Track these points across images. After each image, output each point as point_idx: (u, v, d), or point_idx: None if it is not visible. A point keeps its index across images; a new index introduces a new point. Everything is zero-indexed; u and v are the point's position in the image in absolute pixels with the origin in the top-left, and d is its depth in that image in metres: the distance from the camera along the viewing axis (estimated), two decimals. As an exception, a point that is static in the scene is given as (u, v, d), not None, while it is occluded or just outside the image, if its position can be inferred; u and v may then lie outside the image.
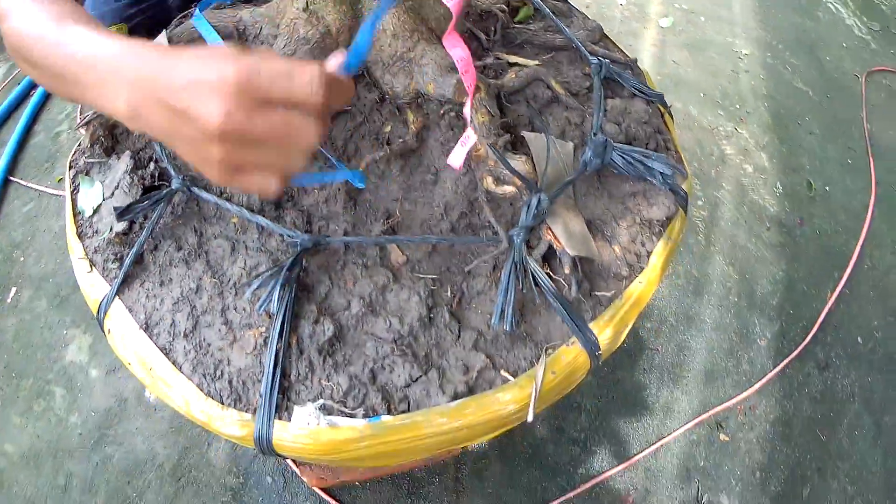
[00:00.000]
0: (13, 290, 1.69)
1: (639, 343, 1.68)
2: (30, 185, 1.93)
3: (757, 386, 1.64)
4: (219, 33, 0.91)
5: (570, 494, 1.41)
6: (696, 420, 1.56)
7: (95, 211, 0.85)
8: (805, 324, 1.78)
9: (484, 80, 0.83)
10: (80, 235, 0.84)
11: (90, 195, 0.87)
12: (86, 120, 0.89)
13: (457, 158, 0.77)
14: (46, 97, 2.18)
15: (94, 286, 0.81)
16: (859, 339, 1.79)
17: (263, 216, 0.79)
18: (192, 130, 0.48)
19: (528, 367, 0.73)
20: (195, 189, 0.81)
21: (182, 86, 0.48)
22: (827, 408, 1.65)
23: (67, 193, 0.89)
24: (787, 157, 2.23)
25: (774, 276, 1.88)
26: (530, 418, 0.71)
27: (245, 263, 0.77)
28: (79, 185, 0.89)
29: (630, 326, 0.81)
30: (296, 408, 0.67)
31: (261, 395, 0.68)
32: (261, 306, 0.73)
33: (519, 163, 0.80)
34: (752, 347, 1.72)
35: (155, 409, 1.46)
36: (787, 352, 1.72)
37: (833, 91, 2.52)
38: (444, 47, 0.85)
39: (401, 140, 0.84)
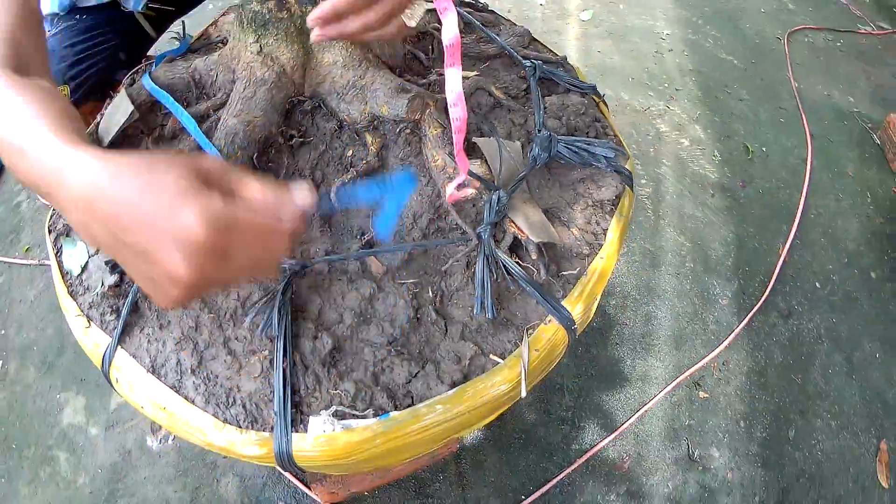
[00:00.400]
0: (-1, 363, 1.70)
1: (607, 320, 1.75)
2: (-2, 258, 1.94)
3: (726, 342, 1.71)
4: (175, 86, 0.96)
5: (569, 470, 1.46)
6: (674, 383, 1.63)
7: (83, 269, 0.88)
8: (762, 278, 1.87)
9: (431, 96, 0.89)
10: (73, 294, 0.87)
11: (75, 255, 0.90)
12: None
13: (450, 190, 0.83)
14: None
15: (94, 340, 0.83)
16: (817, 284, 1.88)
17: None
18: (150, 270, 0.44)
19: (513, 348, 0.79)
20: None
21: (137, 225, 0.42)
22: (797, 352, 1.74)
23: (52, 256, 0.91)
24: (721, 125, 2.32)
25: (725, 239, 1.96)
26: (524, 394, 0.77)
27: (238, 295, 0.82)
28: (61, 247, 0.91)
29: (598, 299, 0.88)
30: (311, 418, 0.72)
31: (275, 413, 0.73)
32: (261, 332, 0.78)
33: (475, 166, 0.87)
34: (715, 308, 1.80)
35: (159, 456, 1.48)
36: (749, 306, 1.80)
37: (757, 56, 2.62)
38: (391, 72, 0.92)
39: (363, 161, 0.90)
